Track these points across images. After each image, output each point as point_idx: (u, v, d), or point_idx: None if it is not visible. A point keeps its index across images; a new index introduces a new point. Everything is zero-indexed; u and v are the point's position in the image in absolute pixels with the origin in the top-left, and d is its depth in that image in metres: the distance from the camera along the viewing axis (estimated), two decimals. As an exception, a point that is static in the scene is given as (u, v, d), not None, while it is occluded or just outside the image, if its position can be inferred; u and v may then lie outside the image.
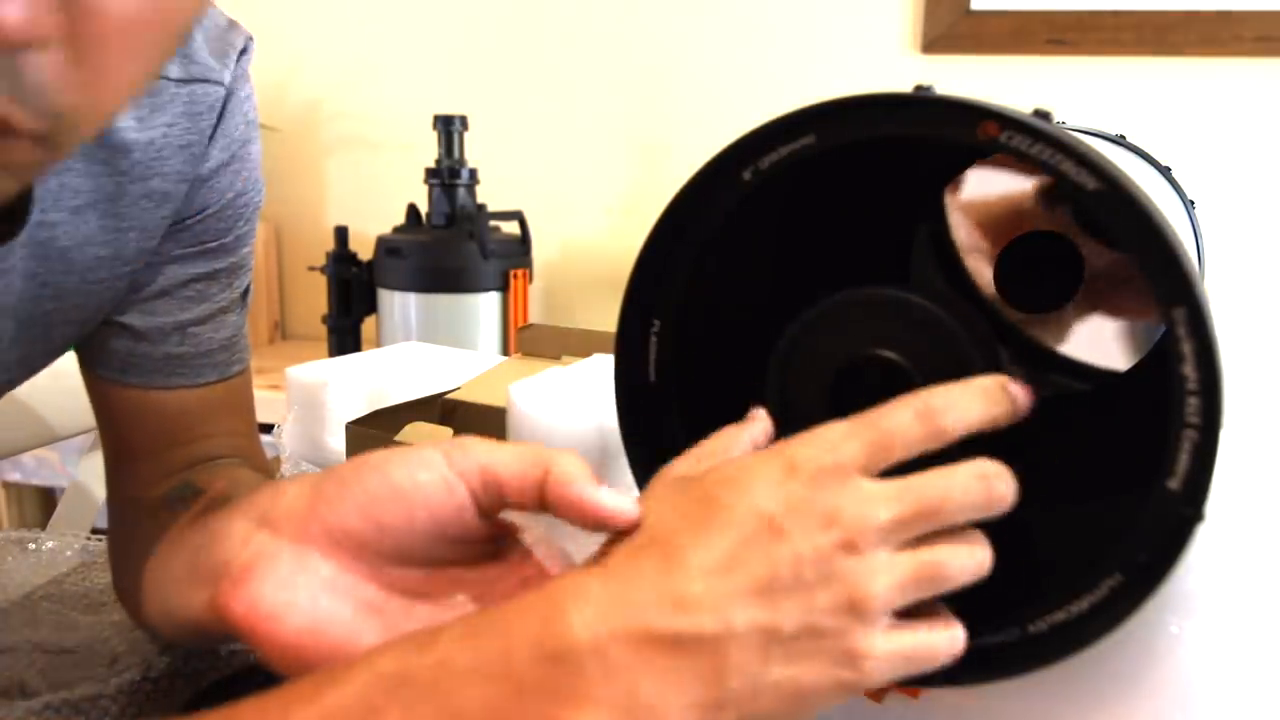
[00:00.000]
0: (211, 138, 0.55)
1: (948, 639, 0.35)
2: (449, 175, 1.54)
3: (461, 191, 1.54)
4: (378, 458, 0.38)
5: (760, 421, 0.41)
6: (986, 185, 0.52)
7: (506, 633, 0.31)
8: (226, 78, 0.54)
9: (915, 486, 0.34)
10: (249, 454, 0.63)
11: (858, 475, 0.34)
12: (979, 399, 0.36)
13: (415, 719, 0.30)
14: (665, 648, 0.31)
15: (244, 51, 0.56)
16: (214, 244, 0.58)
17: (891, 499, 0.34)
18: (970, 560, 0.35)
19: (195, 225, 0.57)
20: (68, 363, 0.61)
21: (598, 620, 0.31)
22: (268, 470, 0.64)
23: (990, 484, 0.35)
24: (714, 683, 0.31)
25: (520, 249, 1.57)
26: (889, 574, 0.33)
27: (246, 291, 0.62)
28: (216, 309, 0.59)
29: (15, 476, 1.72)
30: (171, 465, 0.61)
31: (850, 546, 0.33)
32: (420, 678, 0.31)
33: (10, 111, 0.31)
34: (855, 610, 0.32)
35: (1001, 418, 0.37)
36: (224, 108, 0.55)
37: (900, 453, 0.35)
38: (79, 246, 0.50)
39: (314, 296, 1.84)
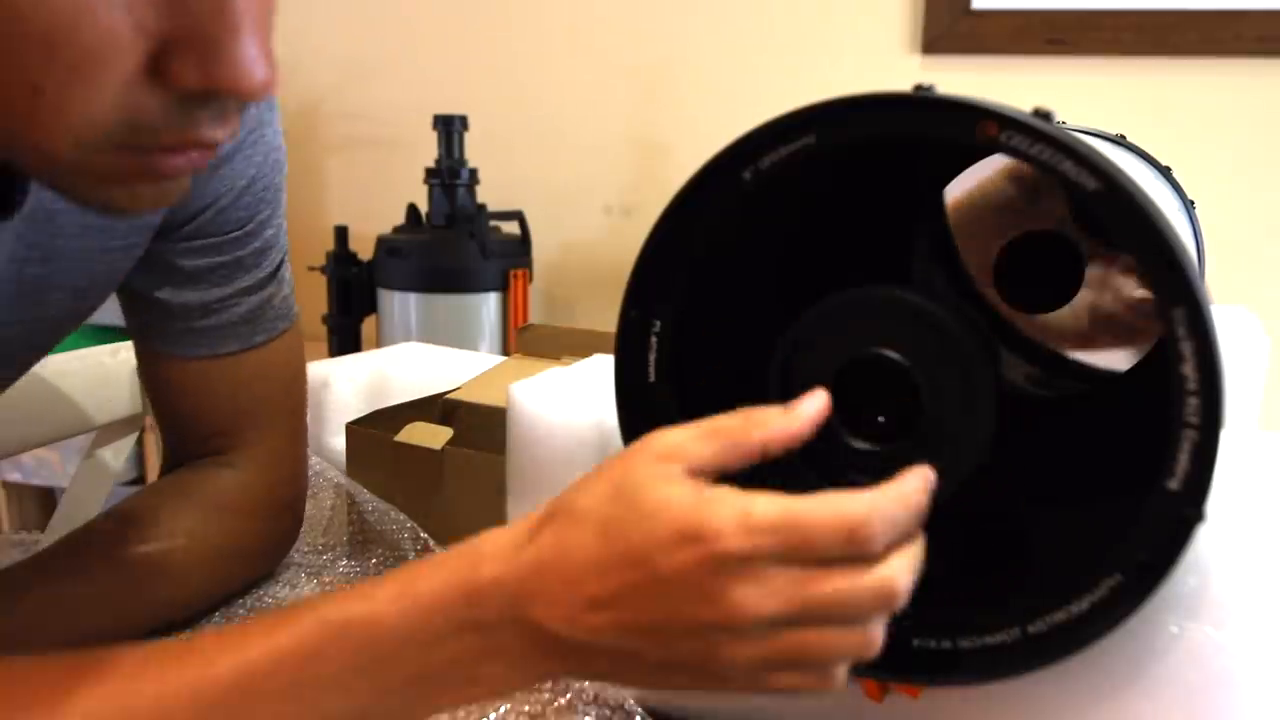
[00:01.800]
0: None
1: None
2: (449, 175, 1.54)
3: (461, 191, 1.54)
4: None
5: (776, 430, 0.39)
6: (986, 185, 0.52)
7: (432, 602, 0.37)
8: None
9: (814, 592, 0.35)
10: (268, 432, 0.63)
11: (765, 564, 0.34)
12: (906, 514, 0.36)
13: (351, 665, 0.36)
14: (548, 639, 0.36)
15: None
16: (237, 232, 0.58)
17: (784, 596, 0.34)
18: (849, 648, 0.36)
19: (215, 217, 0.56)
20: (69, 363, 0.61)
21: (506, 606, 0.36)
22: (275, 456, 0.64)
23: (891, 598, 0.35)
24: (582, 665, 0.37)
25: (520, 249, 1.56)
26: (755, 651, 0.35)
27: (279, 267, 0.62)
28: (241, 288, 0.60)
29: (15, 476, 1.71)
30: (199, 435, 0.62)
31: (726, 629, 0.35)
32: (357, 629, 0.36)
33: (218, 137, 0.35)
34: (715, 659, 0.35)
35: (924, 515, 0.37)
36: None
37: (820, 556, 0.35)
38: (66, 211, 0.49)
39: (314, 296, 1.84)
